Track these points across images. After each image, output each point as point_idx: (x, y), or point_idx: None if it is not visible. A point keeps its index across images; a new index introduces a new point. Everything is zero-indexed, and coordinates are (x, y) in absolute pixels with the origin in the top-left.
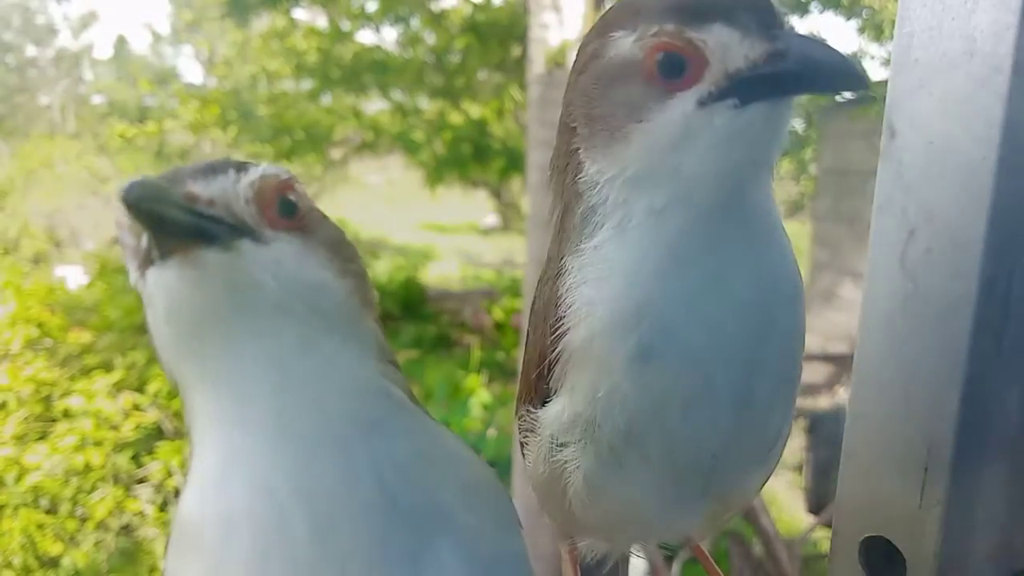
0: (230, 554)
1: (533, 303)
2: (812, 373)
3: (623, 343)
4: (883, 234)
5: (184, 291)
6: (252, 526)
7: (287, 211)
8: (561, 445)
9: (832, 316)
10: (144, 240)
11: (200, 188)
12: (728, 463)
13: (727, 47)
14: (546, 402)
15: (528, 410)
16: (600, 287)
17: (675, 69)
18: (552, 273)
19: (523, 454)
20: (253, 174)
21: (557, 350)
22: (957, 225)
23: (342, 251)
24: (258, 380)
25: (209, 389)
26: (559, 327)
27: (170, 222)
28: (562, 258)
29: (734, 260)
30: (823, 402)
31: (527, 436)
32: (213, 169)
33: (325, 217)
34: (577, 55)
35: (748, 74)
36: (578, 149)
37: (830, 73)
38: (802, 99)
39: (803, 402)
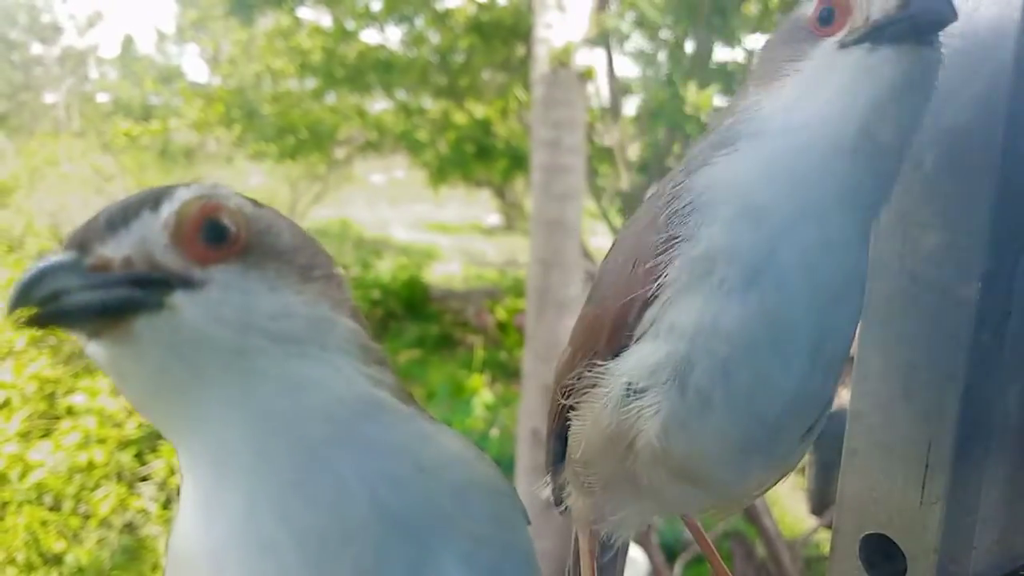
0: None
1: (616, 248)
2: None
3: (732, 268)
4: (884, 230)
5: (127, 367)
6: (239, 560)
7: (216, 238)
8: (640, 392)
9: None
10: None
11: (112, 249)
12: (787, 424)
13: None
14: (620, 352)
15: (593, 364)
16: (716, 207)
17: (827, 17)
18: (659, 206)
19: (570, 418)
20: (167, 210)
21: (657, 284)
22: (957, 222)
23: (297, 258)
24: (232, 423)
25: (183, 438)
26: (664, 255)
27: (83, 312)
28: (676, 185)
29: (837, 215)
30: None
31: (586, 393)
32: (125, 215)
33: (271, 220)
34: None
35: (883, 23)
36: (748, 86)
37: (924, 21)
38: None
39: None
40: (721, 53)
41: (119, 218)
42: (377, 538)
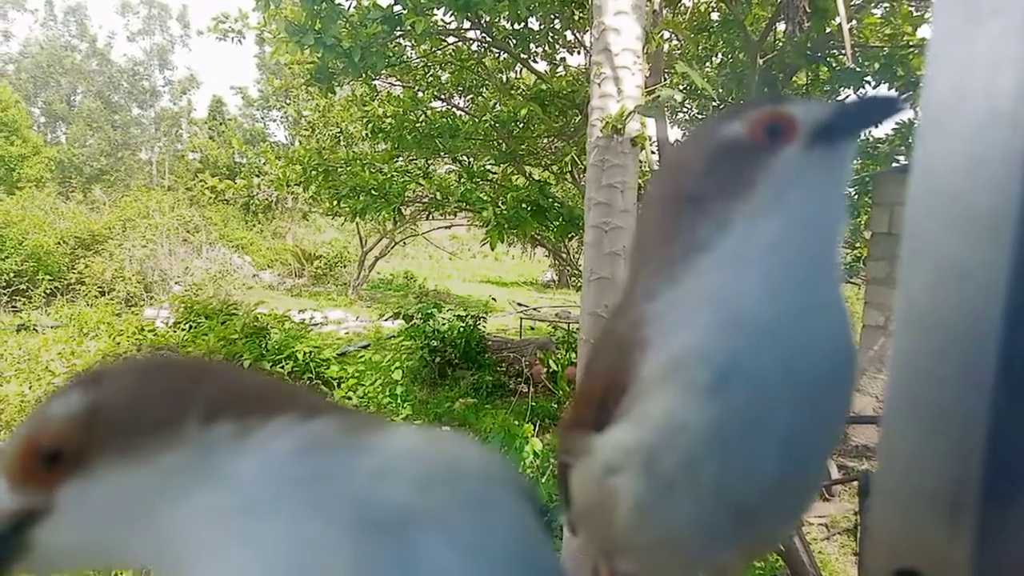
0: None
1: (604, 334)
2: (866, 435)
3: (701, 370)
4: (907, 271)
5: None
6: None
7: (50, 463)
8: (616, 470)
9: (885, 379)
10: None
11: None
12: (769, 503)
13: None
14: (604, 428)
15: (585, 433)
16: (691, 313)
17: (777, 131)
18: (636, 300)
19: (564, 477)
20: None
21: (632, 375)
22: (975, 273)
23: (146, 419)
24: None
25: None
26: (639, 351)
27: None
28: (653, 286)
29: (818, 308)
30: (876, 464)
31: (579, 458)
32: None
33: (103, 410)
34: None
35: (837, 121)
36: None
37: (875, 111)
38: (855, 167)
39: (857, 464)
40: None
41: None
42: (359, 544)
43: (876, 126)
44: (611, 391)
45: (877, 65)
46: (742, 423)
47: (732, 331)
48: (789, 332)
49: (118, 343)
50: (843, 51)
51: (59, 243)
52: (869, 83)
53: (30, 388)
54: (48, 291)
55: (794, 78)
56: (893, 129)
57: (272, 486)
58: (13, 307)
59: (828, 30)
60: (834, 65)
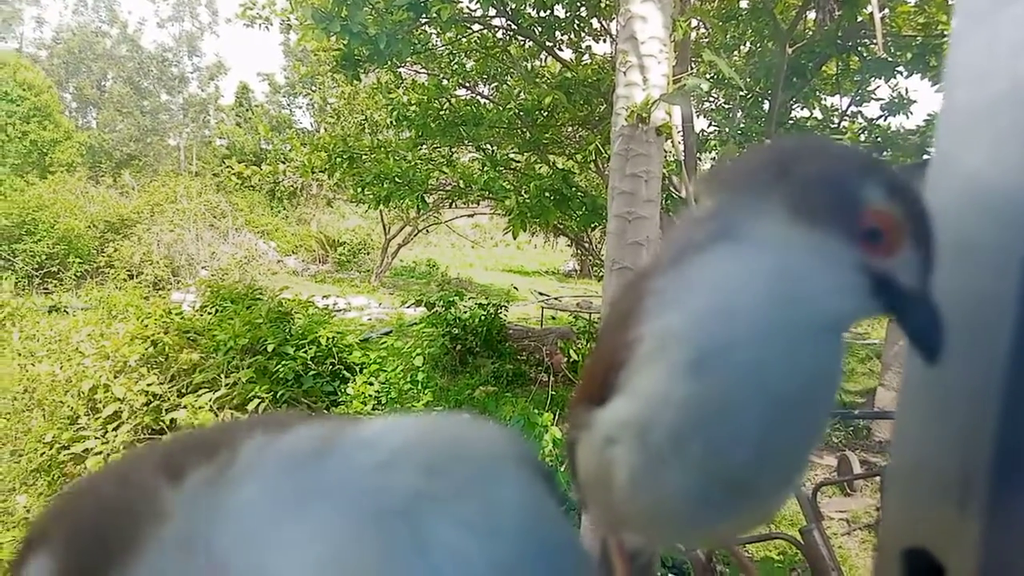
0: None
1: (612, 306)
2: (888, 431)
3: (686, 349)
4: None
5: None
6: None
7: None
8: (612, 443)
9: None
10: None
11: None
12: (758, 479)
13: None
14: (605, 402)
15: (590, 407)
16: (689, 294)
17: (876, 236)
18: (649, 274)
19: (572, 451)
20: None
21: (631, 349)
22: (991, 255)
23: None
24: None
25: None
26: (637, 325)
27: None
28: (668, 260)
29: (812, 333)
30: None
31: (582, 433)
32: None
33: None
34: None
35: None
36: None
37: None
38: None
39: (879, 459)
40: (801, 110)
41: None
42: (373, 535)
43: (922, 346)
44: (613, 364)
45: (910, 55)
46: (718, 408)
47: (722, 318)
48: (776, 332)
49: (146, 325)
50: (875, 40)
51: (89, 227)
52: (901, 73)
53: (60, 368)
54: (78, 274)
55: (824, 68)
56: (925, 120)
57: (279, 498)
58: (45, 289)
59: (859, 19)
60: (865, 55)
